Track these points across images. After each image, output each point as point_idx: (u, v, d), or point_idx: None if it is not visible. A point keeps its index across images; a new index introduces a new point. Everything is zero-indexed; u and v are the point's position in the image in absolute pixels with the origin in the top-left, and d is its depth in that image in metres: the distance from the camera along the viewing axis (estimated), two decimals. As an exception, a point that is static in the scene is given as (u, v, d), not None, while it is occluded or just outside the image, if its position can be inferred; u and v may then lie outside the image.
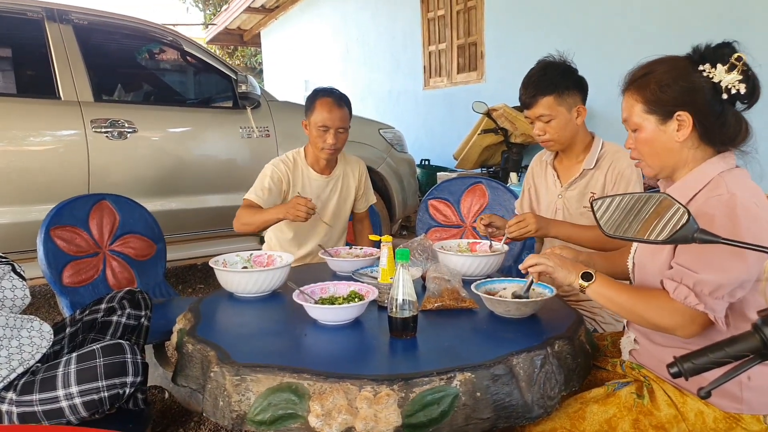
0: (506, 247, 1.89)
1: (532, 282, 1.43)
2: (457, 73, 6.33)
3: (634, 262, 1.39)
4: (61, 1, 3.22)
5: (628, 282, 1.44)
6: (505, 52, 5.53)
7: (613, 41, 4.20)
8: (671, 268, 1.21)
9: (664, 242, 0.90)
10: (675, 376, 0.85)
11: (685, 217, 0.89)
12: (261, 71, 12.90)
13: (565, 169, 2.00)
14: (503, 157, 5.02)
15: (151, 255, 2.51)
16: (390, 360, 1.31)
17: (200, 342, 1.34)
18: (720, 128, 1.23)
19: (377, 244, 1.72)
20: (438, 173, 5.72)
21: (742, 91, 1.18)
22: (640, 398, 1.27)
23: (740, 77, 1.18)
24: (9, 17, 3.00)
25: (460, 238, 2.74)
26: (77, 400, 1.28)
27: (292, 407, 1.14)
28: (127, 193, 2.55)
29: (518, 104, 5.30)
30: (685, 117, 1.22)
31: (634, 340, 1.39)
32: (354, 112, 2.49)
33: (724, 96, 1.19)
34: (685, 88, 1.22)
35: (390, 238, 1.57)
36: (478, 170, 5.49)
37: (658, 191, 1.14)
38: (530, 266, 1.38)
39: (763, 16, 3.25)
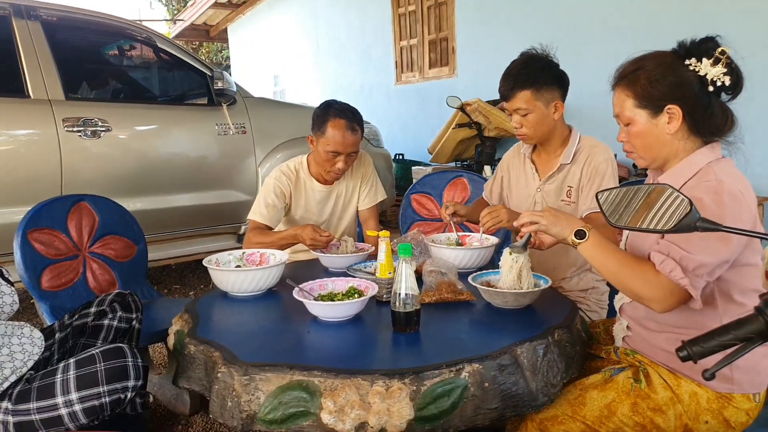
0: (497, 239, 1.92)
1: (529, 238, 1.45)
2: (429, 68, 6.36)
3: (626, 248, 1.43)
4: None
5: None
6: (477, 48, 5.58)
7: (585, 36, 4.28)
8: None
9: (669, 231, 0.93)
10: (684, 359, 0.88)
11: (688, 207, 0.92)
12: (227, 67, 12.72)
13: (543, 162, 2.01)
14: (477, 150, 5.07)
15: (132, 256, 2.46)
16: (397, 354, 1.32)
17: (203, 343, 1.33)
18: (708, 119, 1.28)
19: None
20: (413, 167, 5.75)
21: (727, 83, 1.23)
22: (637, 382, 1.31)
23: (725, 70, 1.23)
24: (-26, 14, 2.90)
25: (444, 231, 2.78)
26: (77, 407, 1.25)
27: (304, 405, 1.14)
28: (101, 193, 2.48)
29: (492, 98, 5.32)
30: (675, 110, 1.26)
31: (627, 327, 1.44)
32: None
33: (710, 88, 1.24)
34: (674, 83, 1.26)
35: (387, 233, 1.58)
36: (453, 164, 5.54)
37: (638, 183, 1.17)
38: (525, 223, 1.40)
39: (732, 12, 3.36)
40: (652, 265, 1.21)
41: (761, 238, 0.87)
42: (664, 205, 0.94)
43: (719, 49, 1.23)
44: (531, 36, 4.84)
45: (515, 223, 1.44)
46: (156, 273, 4.49)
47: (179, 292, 4.11)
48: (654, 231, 0.94)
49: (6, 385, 1.26)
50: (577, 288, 1.95)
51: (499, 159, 5.06)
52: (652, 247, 1.24)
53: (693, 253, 1.16)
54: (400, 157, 6.20)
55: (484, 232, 1.91)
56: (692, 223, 0.91)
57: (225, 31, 11.82)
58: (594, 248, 1.29)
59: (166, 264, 4.06)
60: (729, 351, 0.88)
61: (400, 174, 5.85)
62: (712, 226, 0.93)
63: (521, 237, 1.47)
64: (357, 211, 2.48)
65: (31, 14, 3.00)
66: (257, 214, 2.23)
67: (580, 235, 1.30)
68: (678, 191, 0.94)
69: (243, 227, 3.84)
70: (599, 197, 1.06)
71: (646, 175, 3.48)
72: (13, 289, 1.36)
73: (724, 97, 1.29)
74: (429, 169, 5.44)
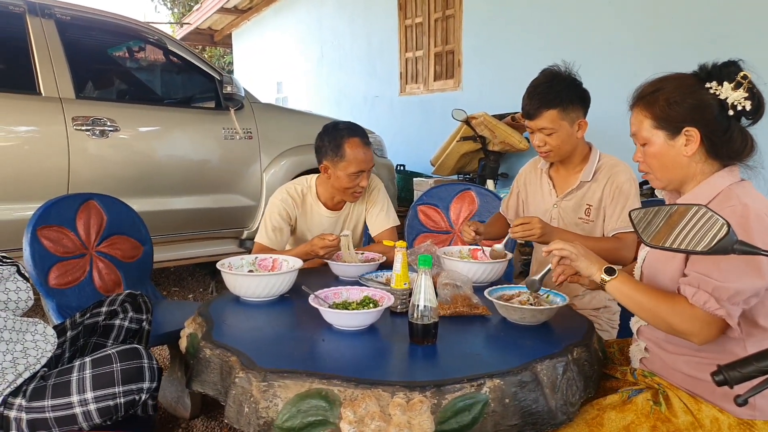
0: (510, 254, 1.91)
1: (548, 271, 1.42)
2: (434, 80, 6.38)
3: (642, 271, 1.42)
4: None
5: None
6: (483, 61, 5.61)
7: (591, 55, 4.31)
8: (685, 275, 1.25)
9: (705, 253, 0.92)
10: (720, 384, 0.87)
11: (726, 228, 0.92)
12: (230, 72, 12.75)
13: (561, 179, 2.00)
14: (480, 164, 5.08)
15: (138, 257, 2.44)
16: (415, 366, 1.30)
17: (219, 347, 1.31)
18: (726, 143, 1.27)
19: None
20: (414, 179, 5.75)
21: (748, 107, 1.23)
22: (656, 405, 1.30)
23: (746, 95, 1.23)
24: (-10, 10, 2.90)
25: (449, 243, 2.77)
26: (92, 406, 1.23)
27: (323, 414, 1.12)
28: (106, 193, 2.46)
29: (497, 112, 5.32)
30: (693, 132, 1.27)
31: (645, 348, 1.43)
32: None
33: (730, 112, 1.24)
34: (693, 105, 1.27)
35: (404, 243, 1.57)
36: (455, 176, 5.55)
37: (659, 203, 1.16)
38: (555, 249, 1.36)
39: (745, 34, 3.38)
40: (685, 299, 1.20)
41: None
42: (700, 226, 0.94)
43: (741, 74, 1.23)
44: (537, 53, 4.90)
45: (544, 249, 1.40)
46: (155, 275, 4.46)
47: (178, 294, 4.08)
48: (689, 252, 0.94)
49: (19, 381, 1.24)
50: (589, 306, 1.94)
51: (503, 173, 5.12)
52: (681, 281, 1.24)
53: (725, 282, 1.15)
54: (402, 167, 6.20)
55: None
56: (729, 245, 0.91)
57: (229, 36, 11.87)
58: (624, 285, 1.28)
59: (165, 266, 4.04)
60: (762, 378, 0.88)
61: (401, 185, 5.85)
62: (751, 250, 0.92)
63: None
64: (364, 231, 2.44)
65: (45, 12, 3.00)
66: (264, 237, 2.19)
67: (609, 272, 1.29)
68: (715, 212, 0.93)
69: (246, 232, 3.83)
70: (632, 216, 1.05)
71: (653, 196, 3.49)
72: (28, 285, 1.35)
73: (744, 121, 1.29)
74: (431, 181, 5.45)
